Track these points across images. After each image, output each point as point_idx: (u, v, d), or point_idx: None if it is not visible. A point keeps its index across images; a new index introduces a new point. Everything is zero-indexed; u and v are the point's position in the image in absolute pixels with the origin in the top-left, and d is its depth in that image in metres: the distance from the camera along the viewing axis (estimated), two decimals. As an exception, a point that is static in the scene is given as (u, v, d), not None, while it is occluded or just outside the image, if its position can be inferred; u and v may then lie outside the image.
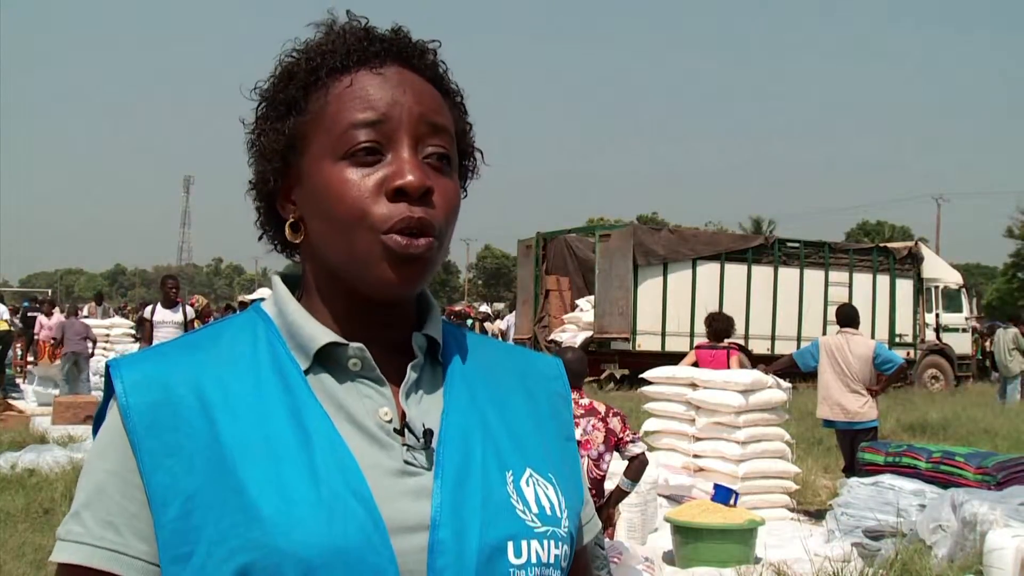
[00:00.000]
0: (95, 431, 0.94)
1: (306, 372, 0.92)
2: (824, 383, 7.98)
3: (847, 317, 8.23)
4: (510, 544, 0.89)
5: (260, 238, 1.02)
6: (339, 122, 0.92)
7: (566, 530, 0.95)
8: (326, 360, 0.93)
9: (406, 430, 0.91)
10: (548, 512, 0.93)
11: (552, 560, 0.92)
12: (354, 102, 0.92)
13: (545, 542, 0.92)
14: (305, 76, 0.94)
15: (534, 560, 0.90)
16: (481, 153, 1.04)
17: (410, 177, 0.89)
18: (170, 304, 10.06)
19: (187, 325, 9.99)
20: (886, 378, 7.95)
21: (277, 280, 1.00)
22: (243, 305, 10.31)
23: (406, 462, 0.90)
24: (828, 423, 8.18)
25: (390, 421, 0.91)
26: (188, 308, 10.29)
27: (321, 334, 0.93)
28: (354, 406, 0.91)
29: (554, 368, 1.10)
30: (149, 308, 10.40)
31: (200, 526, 0.85)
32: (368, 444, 0.90)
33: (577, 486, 1.03)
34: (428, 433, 0.91)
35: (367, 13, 1.00)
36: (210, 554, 0.84)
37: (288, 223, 0.97)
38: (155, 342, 9.92)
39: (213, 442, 0.87)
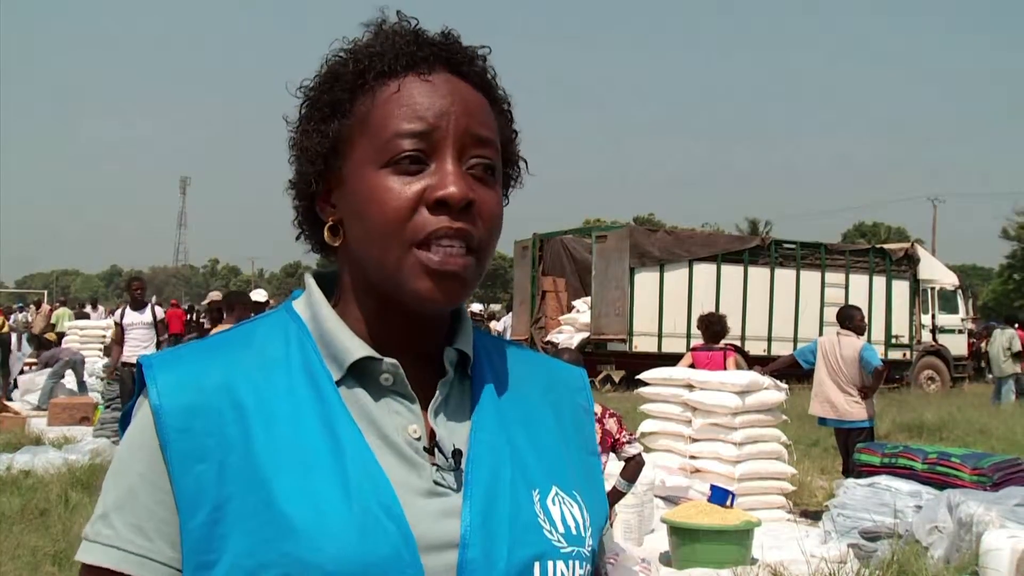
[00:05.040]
0: (122, 428, 0.94)
1: (338, 383, 0.91)
2: (818, 380, 8.12)
3: (842, 317, 8.37)
4: (536, 564, 0.89)
5: (298, 238, 1.00)
6: (385, 129, 0.90)
7: (590, 549, 0.95)
8: (358, 372, 0.92)
9: (436, 450, 0.91)
10: (574, 532, 0.93)
11: None
12: (401, 110, 0.90)
13: (571, 562, 0.91)
14: (352, 79, 0.92)
15: None
16: (526, 162, 1.02)
17: (452, 188, 0.88)
18: (138, 306, 10.19)
19: (156, 325, 10.21)
20: (870, 381, 8.01)
21: (312, 282, 0.98)
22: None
23: (435, 482, 0.89)
24: (821, 421, 8.31)
25: (419, 439, 0.91)
26: (157, 308, 10.56)
27: (356, 347, 0.92)
28: (384, 422, 0.90)
29: (579, 379, 1.09)
30: (119, 311, 10.65)
31: (227, 535, 0.84)
32: (398, 462, 0.89)
33: (601, 501, 1.03)
34: (457, 454, 0.91)
35: (366, 13, 0.97)
36: (236, 564, 0.84)
37: (327, 226, 0.96)
38: (126, 344, 10.05)
39: (246, 451, 0.86)
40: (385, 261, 0.90)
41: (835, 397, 7.94)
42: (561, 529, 0.92)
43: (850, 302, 12.64)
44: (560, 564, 0.91)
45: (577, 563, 0.92)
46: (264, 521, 0.84)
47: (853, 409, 7.89)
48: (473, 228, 0.90)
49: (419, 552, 0.85)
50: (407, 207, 0.88)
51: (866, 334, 9.32)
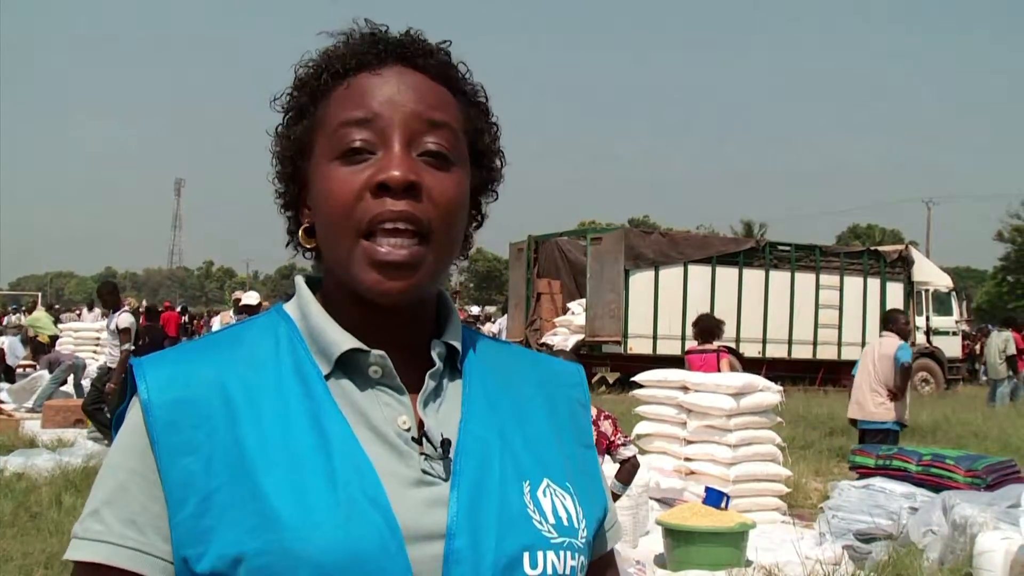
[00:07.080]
0: (114, 430, 0.94)
1: (327, 377, 0.92)
2: (856, 383, 8.31)
3: (886, 320, 8.66)
4: (526, 555, 0.89)
5: (287, 244, 1.01)
6: (333, 123, 0.92)
7: (583, 540, 0.95)
8: (347, 366, 0.93)
9: (424, 439, 0.91)
10: (565, 523, 0.93)
11: (568, 571, 0.92)
12: (348, 103, 0.92)
13: (561, 553, 0.92)
14: (313, 84, 0.95)
15: (550, 571, 0.90)
16: (503, 154, 1.02)
17: (394, 172, 0.89)
18: (109, 311, 10.02)
19: (120, 335, 9.61)
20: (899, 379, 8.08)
21: (301, 282, 0.99)
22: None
23: (424, 471, 0.90)
24: (852, 422, 8.48)
25: (408, 430, 0.91)
26: (122, 316, 9.79)
27: (343, 340, 0.93)
28: (373, 413, 0.91)
29: (575, 375, 1.10)
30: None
31: (213, 527, 0.85)
32: (386, 452, 0.90)
33: (598, 493, 1.03)
34: (446, 443, 0.91)
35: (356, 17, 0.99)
36: (222, 555, 0.84)
37: (303, 228, 0.97)
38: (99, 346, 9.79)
39: (234, 443, 0.87)
40: (338, 254, 0.91)
41: (863, 397, 8.12)
42: (552, 520, 0.92)
43: (844, 304, 12.69)
44: (551, 555, 0.90)
45: (569, 554, 0.92)
46: (250, 512, 0.84)
47: (877, 410, 8.05)
48: (418, 210, 0.89)
49: (405, 542, 0.85)
50: (353, 196, 0.90)
51: (911, 337, 9.49)
